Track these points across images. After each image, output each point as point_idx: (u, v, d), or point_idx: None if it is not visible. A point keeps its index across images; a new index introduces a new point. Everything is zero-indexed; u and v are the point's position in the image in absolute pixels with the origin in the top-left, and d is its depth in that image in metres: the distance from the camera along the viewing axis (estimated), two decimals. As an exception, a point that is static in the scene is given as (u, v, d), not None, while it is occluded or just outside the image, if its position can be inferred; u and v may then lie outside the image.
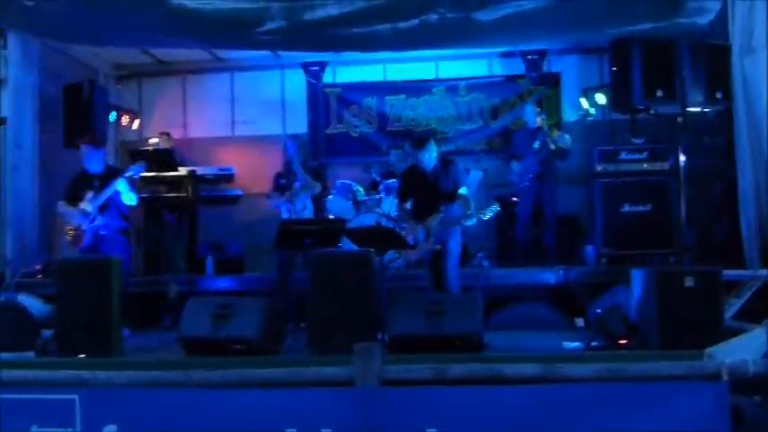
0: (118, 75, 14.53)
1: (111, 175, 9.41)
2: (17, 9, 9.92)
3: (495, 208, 8.95)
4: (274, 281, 10.05)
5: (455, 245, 8.95)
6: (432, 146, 9.01)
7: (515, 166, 11.28)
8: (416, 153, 9.06)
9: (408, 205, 9.32)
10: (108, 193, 9.29)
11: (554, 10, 9.57)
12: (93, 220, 9.32)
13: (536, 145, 10.96)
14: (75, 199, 9.50)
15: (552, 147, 10.86)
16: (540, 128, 11.15)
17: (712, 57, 9.83)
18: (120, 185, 9.25)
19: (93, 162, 9.52)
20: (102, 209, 9.36)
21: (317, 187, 10.20)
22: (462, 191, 8.95)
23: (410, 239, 8.93)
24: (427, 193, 9.01)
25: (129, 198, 9.42)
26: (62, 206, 9.66)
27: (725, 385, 5.66)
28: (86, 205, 9.36)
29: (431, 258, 9.03)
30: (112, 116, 12.94)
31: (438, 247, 8.85)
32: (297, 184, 10.06)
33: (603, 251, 10.36)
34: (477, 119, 13.64)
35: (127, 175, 9.30)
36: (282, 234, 8.83)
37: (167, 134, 13.10)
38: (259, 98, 14.31)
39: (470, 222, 8.89)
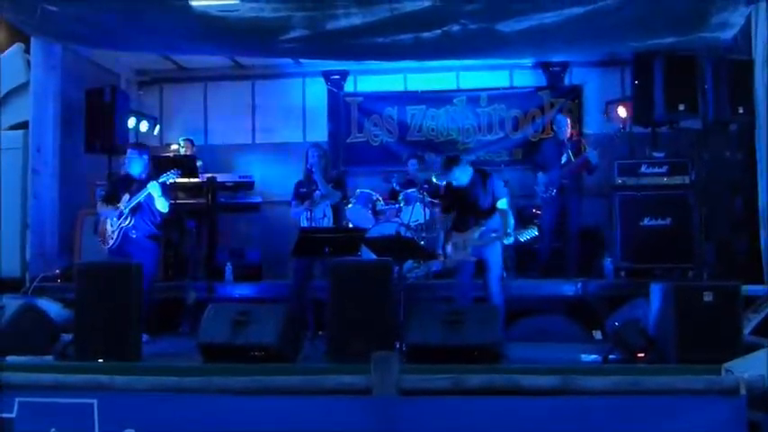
0: (139, 80, 14.59)
1: (149, 180, 9.45)
2: (41, 14, 9.97)
3: (533, 232, 8.85)
4: (290, 288, 10.03)
5: (495, 257, 8.86)
6: (461, 165, 8.93)
7: (541, 177, 11.21)
8: (446, 173, 9.02)
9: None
10: (142, 194, 9.34)
11: (577, 23, 9.54)
12: (124, 220, 9.38)
13: (563, 158, 10.94)
14: (113, 200, 9.58)
15: (582, 159, 10.81)
16: (570, 138, 11.15)
17: (735, 71, 9.78)
18: (153, 188, 9.27)
19: (136, 166, 9.60)
20: (135, 211, 9.41)
21: (338, 196, 10.18)
22: (501, 204, 8.84)
23: (446, 249, 8.96)
24: (466, 206, 8.98)
25: (162, 204, 9.43)
26: (100, 206, 9.75)
27: (743, 400, 5.65)
28: (122, 205, 9.43)
29: (464, 269, 8.99)
30: (133, 121, 12.98)
31: (473, 259, 8.80)
32: (317, 193, 10.02)
33: (622, 264, 10.32)
34: (498, 130, 13.63)
35: (161, 179, 9.33)
36: (302, 242, 8.84)
37: (190, 140, 13.13)
38: (280, 106, 14.34)
39: (508, 241, 8.81)
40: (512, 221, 8.84)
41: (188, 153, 12.83)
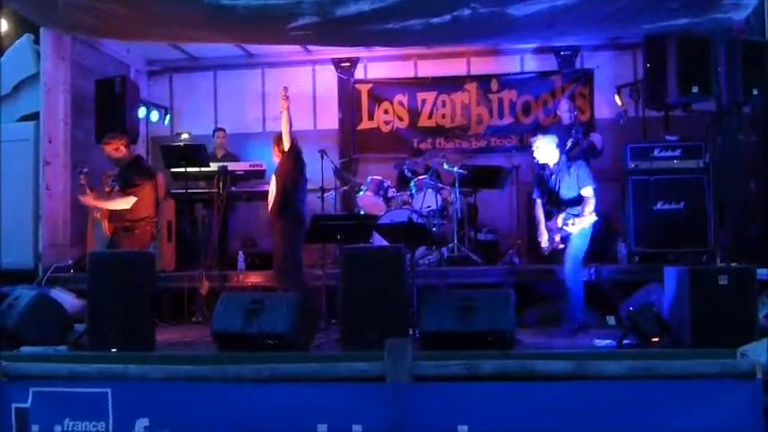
0: (149, 70, 14.57)
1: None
2: (51, 6, 9.96)
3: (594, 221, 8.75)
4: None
5: (576, 241, 8.74)
6: (544, 140, 9.02)
7: (547, 163, 11.15)
8: (531, 149, 9.02)
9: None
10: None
11: (588, 5, 9.48)
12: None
13: (569, 142, 10.85)
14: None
15: (587, 143, 10.71)
16: (573, 124, 11.02)
17: (749, 53, 9.70)
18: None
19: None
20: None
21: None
22: (585, 192, 8.74)
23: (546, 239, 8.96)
24: (553, 192, 8.95)
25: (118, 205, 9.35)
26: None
27: (758, 384, 5.62)
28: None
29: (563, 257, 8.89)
30: (143, 111, 12.96)
31: (561, 245, 8.78)
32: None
33: (636, 249, 10.28)
34: (508, 115, 13.56)
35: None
36: (314, 229, 8.82)
37: (222, 130, 13.29)
38: (290, 94, 14.26)
39: (570, 229, 8.65)
40: (592, 207, 8.69)
41: (221, 141, 13.07)
